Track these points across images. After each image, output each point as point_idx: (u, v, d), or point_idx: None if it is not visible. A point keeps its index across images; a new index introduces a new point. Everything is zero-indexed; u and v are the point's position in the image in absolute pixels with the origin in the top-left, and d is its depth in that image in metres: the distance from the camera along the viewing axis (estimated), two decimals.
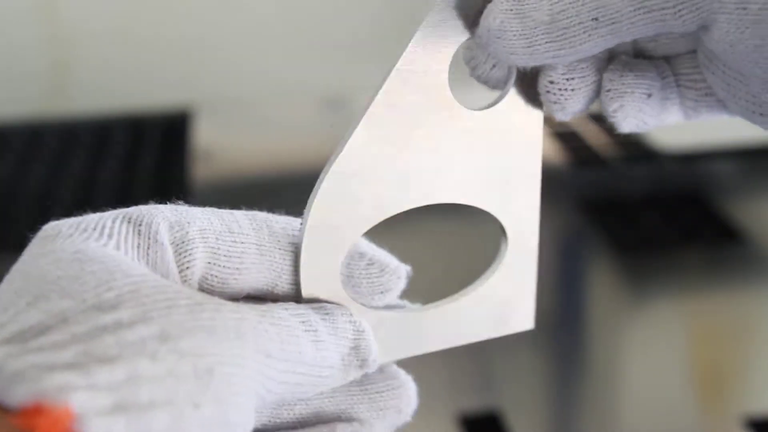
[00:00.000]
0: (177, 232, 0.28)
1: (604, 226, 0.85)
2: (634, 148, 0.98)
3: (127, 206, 0.29)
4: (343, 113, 1.06)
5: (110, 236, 0.27)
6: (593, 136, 1.01)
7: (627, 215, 0.87)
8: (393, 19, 1.12)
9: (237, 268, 0.29)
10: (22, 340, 0.24)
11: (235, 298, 0.30)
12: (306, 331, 0.28)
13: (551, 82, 0.30)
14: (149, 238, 0.28)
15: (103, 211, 0.29)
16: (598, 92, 0.31)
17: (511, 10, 0.28)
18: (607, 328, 0.74)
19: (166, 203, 0.30)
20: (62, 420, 0.22)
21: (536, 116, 0.32)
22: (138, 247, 0.28)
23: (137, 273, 0.26)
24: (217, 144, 1.00)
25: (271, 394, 0.27)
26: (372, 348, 0.30)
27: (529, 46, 0.29)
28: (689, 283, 0.79)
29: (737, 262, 0.81)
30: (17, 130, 1.02)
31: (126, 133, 1.02)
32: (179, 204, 0.30)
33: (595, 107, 0.32)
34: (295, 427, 0.30)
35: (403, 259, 0.32)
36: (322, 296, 0.30)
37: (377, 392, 0.31)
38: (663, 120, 0.31)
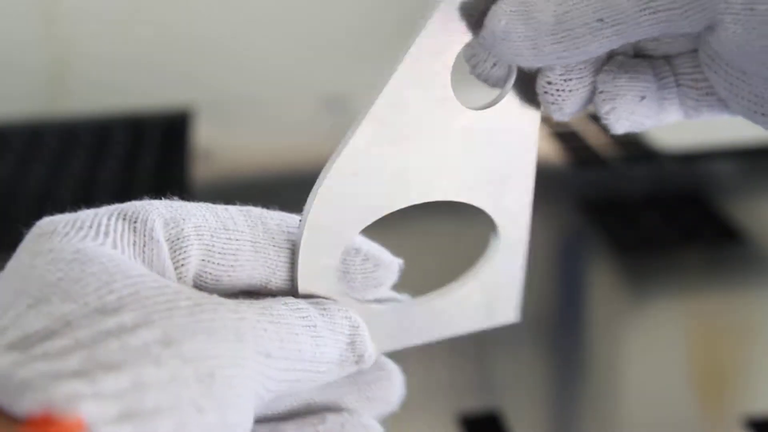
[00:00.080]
0: (172, 228, 0.28)
1: (604, 226, 0.85)
2: (634, 148, 0.98)
3: None
4: (343, 113, 1.06)
5: (107, 234, 0.27)
6: (593, 136, 1.01)
7: (627, 215, 0.87)
8: (393, 18, 1.12)
9: (231, 266, 0.29)
10: (27, 345, 0.24)
11: (229, 294, 0.30)
12: (305, 326, 0.28)
13: (549, 83, 0.30)
14: (145, 236, 0.28)
15: None
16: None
17: (516, 12, 0.28)
18: (607, 328, 0.74)
19: (161, 198, 0.30)
20: (73, 430, 0.22)
21: (533, 115, 0.32)
22: (134, 244, 0.28)
23: (136, 273, 0.26)
24: (217, 144, 1.00)
25: (270, 392, 0.27)
26: (367, 344, 0.30)
27: (534, 48, 0.29)
28: (689, 283, 0.79)
29: (737, 262, 0.81)
30: (17, 130, 1.02)
31: (126, 133, 1.02)
32: (174, 199, 0.30)
33: (594, 107, 0.32)
34: (284, 418, 0.30)
35: (395, 252, 0.32)
36: (317, 292, 0.30)
37: (366, 383, 0.31)
38: (662, 120, 0.31)
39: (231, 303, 0.27)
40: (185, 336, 0.25)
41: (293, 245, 0.30)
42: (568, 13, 0.28)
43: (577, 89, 0.30)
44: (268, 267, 0.30)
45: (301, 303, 0.29)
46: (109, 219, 0.28)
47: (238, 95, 1.12)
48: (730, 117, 0.31)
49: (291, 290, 0.30)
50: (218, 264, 0.29)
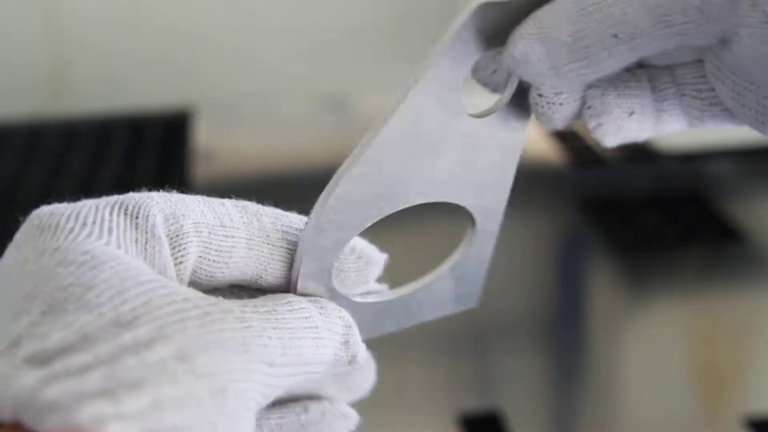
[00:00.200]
0: (172, 225, 0.29)
1: (604, 226, 0.85)
2: (634, 148, 0.98)
3: None
4: (343, 113, 1.06)
5: (110, 232, 0.27)
6: None
7: (627, 215, 0.87)
8: (393, 19, 1.12)
9: (226, 263, 0.29)
10: (46, 360, 0.24)
11: (220, 289, 0.30)
12: (307, 328, 0.28)
13: (540, 95, 0.31)
14: (147, 233, 0.28)
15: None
16: None
17: (533, 34, 0.29)
18: (607, 328, 0.74)
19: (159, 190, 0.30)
20: None
21: (525, 121, 0.33)
22: (136, 242, 0.28)
23: (146, 279, 0.26)
24: (217, 144, 1.00)
25: (268, 399, 0.27)
26: (360, 344, 0.30)
27: (553, 68, 0.29)
28: (689, 283, 0.79)
29: (737, 262, 0.81)
30: (17, 130, 1.02)
31: (126, 133, 1.02)
32: (172, 192, 0.30)
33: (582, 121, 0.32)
34: (267, 407, 0.30)
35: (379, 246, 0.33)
36: (313, 290, 0.31)
37: (345, 373, 0.32)
38: (661, 130, 0.32)
39: (237, 309, 0.27)
40: (198, 350, 0.25)
41: (288, 243, 0.30)
42: (584, 31, 0.28)
43: (568, 103, 0.31)
44: (260, 264, 0.30)
45: (303, 302, 0.29)
46: (111, 214, 0.28)
47: (238, 95, 1.12)
48: (734, 126, 0.31)
49: (281, 286, 0.31)
50: (213, 261, 0.29)
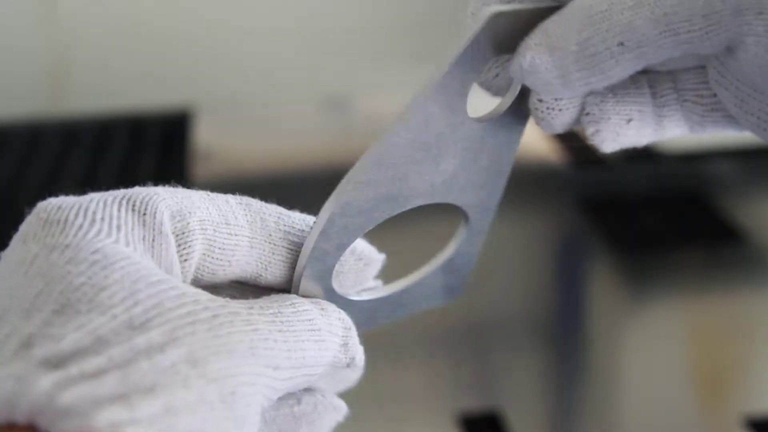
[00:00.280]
0: (178, 222, 0.29)
1: (604, 226, 0.85)
2: (634, 148, 0.98)
3: None
4: (343, 113, 1.06)
5: (119, 229, 0.27)
6: None
7: (627, 215, 0.87)
8: (394, 19, 1.12)
9: (228, 261, 0.30)
10: (61, 362, 0.24)
11: (221, 285, 0.30)
12: (310, 331, 0.29)
13: (540, 101, 0.31)
14: (154, 230, 0.28)
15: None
16: None
17: (540, 45, 0.29)
18: (607, 328, 0.74)
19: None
20: None
21: (523, 124, 0.33)
22: (144, 239, 0.28)
23: (156, 279, 0.26)
24: (217, 144, 1.00)
25: (270, 402, 0.28)
26: (358, 347, 0.31)
27: (561, 77, 0.29)
28: (689, 283, 0.79)
29: (737, 262, 0.81)
30: (17, 130, 1.02)
31: (126, 133, 1.02)
32: (177, 188, 0.30)
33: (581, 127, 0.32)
34: None
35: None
36: (313, 291, 0.31)
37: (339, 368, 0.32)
38: (662, 136, 0.32)
39: (244, 312, 0.27)
40: (208, 354, 0.25)
41: (289, 243, 0.31)
42: (590, 40, 0.28)
43: (567, 108, 0.31)
44: (261, 263, 0.30)
45: (306, 304, 0.29)
46: (119, 210, 0.28)
47: (238, 96, 1.12)
48: (736, 132, 0.31)
49: (281, 284, 0.31)
50: (217, 259, 0.29)
